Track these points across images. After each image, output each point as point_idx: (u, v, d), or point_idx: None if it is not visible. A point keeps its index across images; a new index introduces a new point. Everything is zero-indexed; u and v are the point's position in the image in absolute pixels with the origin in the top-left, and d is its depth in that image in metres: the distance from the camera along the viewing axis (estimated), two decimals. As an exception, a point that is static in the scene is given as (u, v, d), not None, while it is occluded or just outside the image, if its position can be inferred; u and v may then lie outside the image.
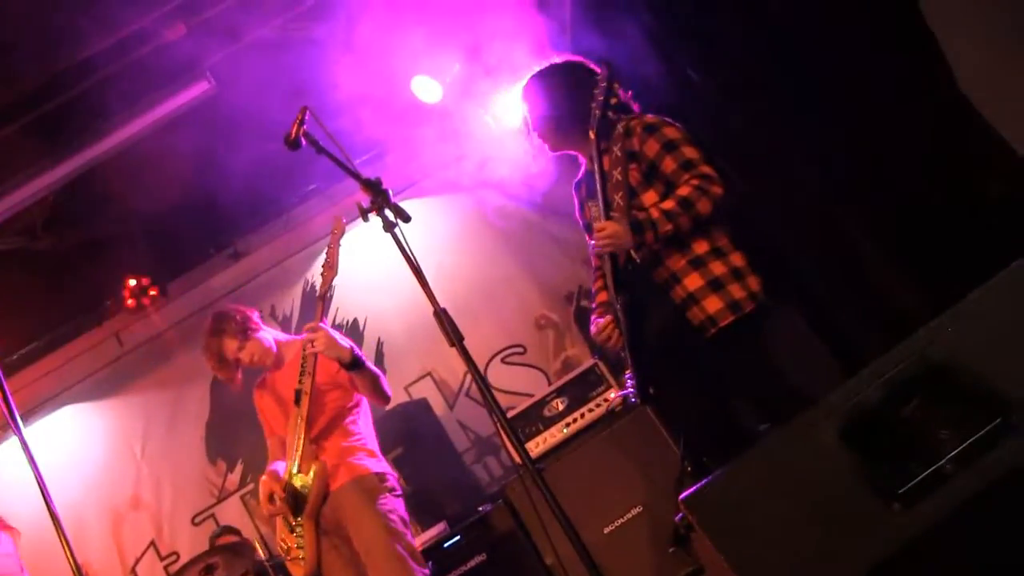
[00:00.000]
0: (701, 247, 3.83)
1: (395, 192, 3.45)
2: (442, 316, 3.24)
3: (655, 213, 3.73)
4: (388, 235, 3.37)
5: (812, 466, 2.30)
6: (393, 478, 4.39)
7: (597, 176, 3.79)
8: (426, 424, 6.41)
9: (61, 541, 2.78)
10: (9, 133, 5.22)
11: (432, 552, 5.26)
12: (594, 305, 4.28)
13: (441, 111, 6.78)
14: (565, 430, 5.62)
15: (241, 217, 7.13)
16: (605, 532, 5.16)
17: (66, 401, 7.35)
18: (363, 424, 4.53)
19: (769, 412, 3.82)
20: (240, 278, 7.36)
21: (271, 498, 4.29)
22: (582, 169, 4.27)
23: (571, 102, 4.03)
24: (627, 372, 4.11)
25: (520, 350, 7.27)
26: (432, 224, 7.35)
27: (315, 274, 7.41)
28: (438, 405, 7.02)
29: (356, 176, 3.41)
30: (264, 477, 4.45)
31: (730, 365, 3.83)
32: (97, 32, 5.04)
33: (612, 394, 5.66)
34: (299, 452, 4.23)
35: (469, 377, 7.19)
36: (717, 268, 3.80)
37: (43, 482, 2.91)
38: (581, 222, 4.35)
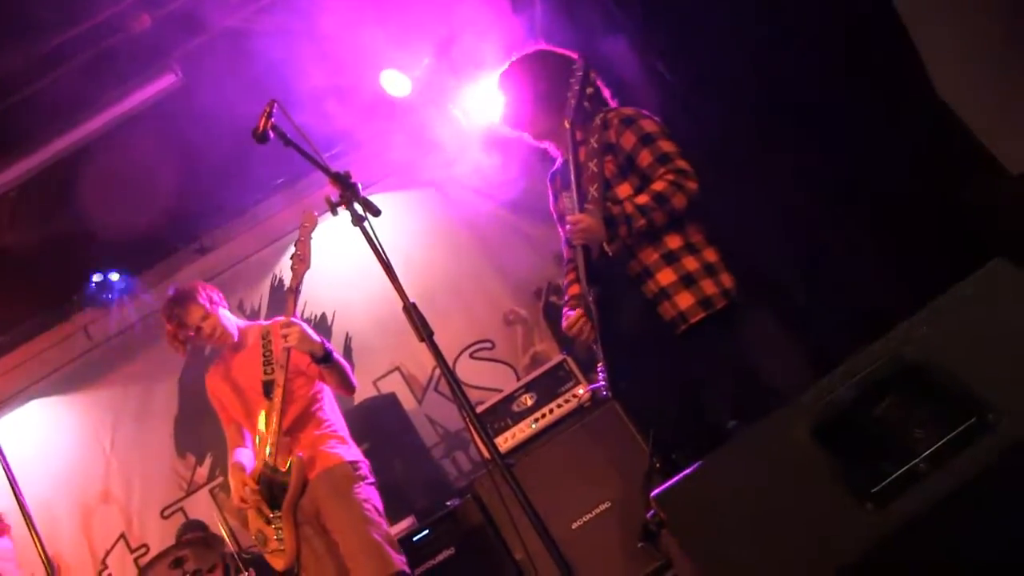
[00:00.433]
0: (675, 242, 3.83)
1: (364, 186, 3.42)
2: (411, 311, 3.24)
3: (629, 208, 3.74)
4: (357, 229, 3.36)
5: (784, 465, 2.30)
6: (365, 466, 4.40)
7: (572, 166, 3.79)
8: (394, 418, 6.39)
9: (32, 535, 2.77)
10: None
11: (400, 546, 5.25)
12: (566, 298, 4.28)
13: (410, 105, 6.76)
14: (534, 425, 5.62)
15: (208, 211, 7.09)
16: (573, 527, 5.17)
17: (34, 395, 7.30)
18: (330, 410, 4.54)
19: (738, 409, 3.82)
20: (207, 272, 7.31)
21: (244, 490, 4.27)
22: (558, 161, 4.25)
23: (547, 91, 4.02)
24: (598, 366, 4.12)
25: (489, 345, 7.27)
26: (401, 219, 7.33)
27: (283, 268, 7.40)
28: (407, 400, 7.01)
29: (325, 170, 3.39)
30: (232, 468, 4.44)
31: (700, 361, 3.83)
32: (60, 24, 4.99)
33: (581, 390, 5.67)
34: (273, 445, 4.20)
35: (438, 372, 7.18)
36: (690, 264, 3.81)
37: (13, 477, 2.89)
38: (555, 214, 4.33)
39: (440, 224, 7.49)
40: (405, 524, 5.56)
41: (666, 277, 3.79)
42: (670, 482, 2.35)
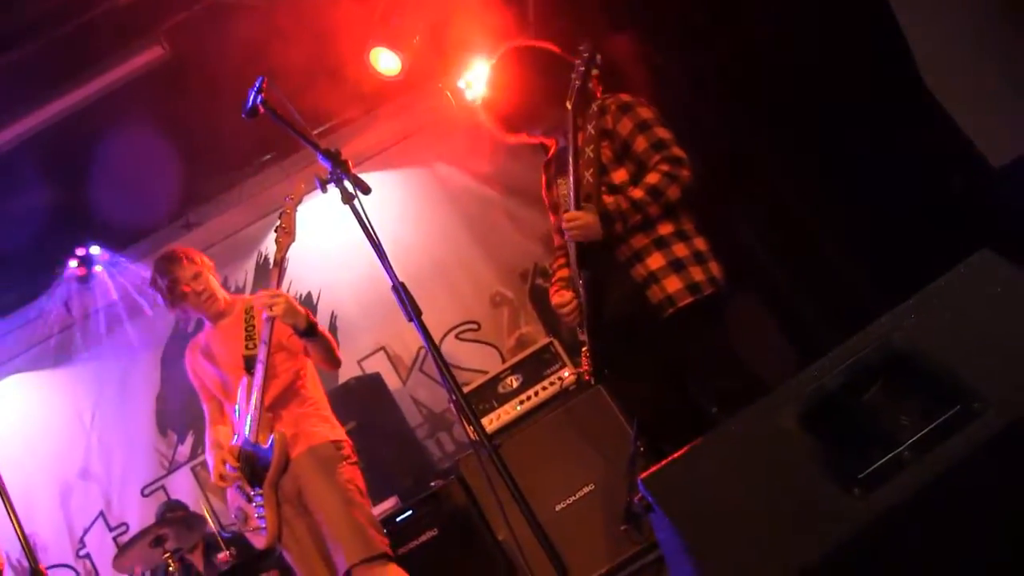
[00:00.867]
0: (666, 228, 3.84)
1: (353, 164, 3.39)
2: (400, 290, 3.22)
3: (624, 204, 3.76)
4: (344, 207, 3.33)
5: (771, 450, 2.30)
6: (349, 445, 4.35)
7: (571, 150, 3.77)
8: (379, 398, 6.39)
9: (8, 512, 2.74)
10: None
11: (384, 526, 5.25)
12: (553, 280, 4.28)
13: (400, 84, 6.72)
14: (519, 407, 5.64)
15: (194, 187, 7.03)
16: (557, 509, 5.19)
17: (12, 370, 7.27)
18: (313, 387, 4.49)
19: (721, 396, 3.85)
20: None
21: (223, 467, 4.25)
22: (551, 150, 4.27)
23: (547, 80, 4.00)
24: (583, 350, 4.13)
25: (474, 326, 7.27)
26: (389, 198, 7.30)
27: (269, 245, 7.36)
28: (391, 380, 7.00)
29: (315, 146, 3.37)
30: (209, 447, 4.41)
31: (685, 346, 3.85)
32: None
33: (566, 372, 5.68)
34: (255, 421, 4.18)
35: (423, 352, 7.20)
36: (680, 250, 3.82)
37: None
38: (547, 201, 4.34)
39: (427, 204, 7.47)
40: (388, 504, 5.57)
41: (656, 261, 3.81)
42: (658, 465, 2.35)
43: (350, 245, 6.78)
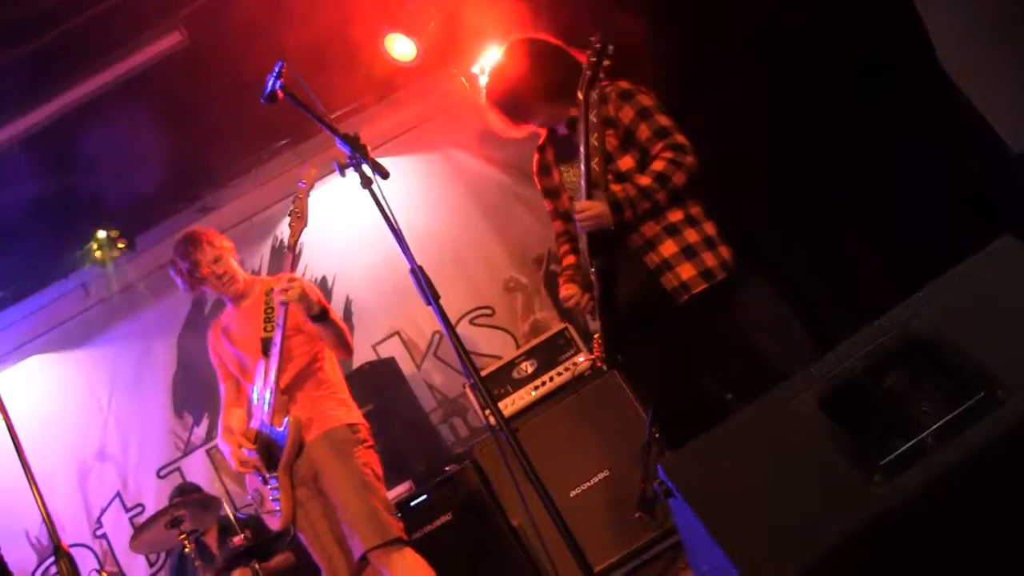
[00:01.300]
0: (676, 215, 3.86)
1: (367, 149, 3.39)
2: (418, 273, 3.23)
3: (632, 191, 3.77)
4: (360, 192, 3.35)
5: (791, 436, 2.30)
6: (365, 429, 4.36)
7: (581, 138, 3.77)
8: (393, 383, 6.40)
9: (33, 490, 2.76)
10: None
11: (398, 510, 5.26)
12: (561, 269, 4.31)
13: (415, 70, 6.72)
14: (534, 392, 5.65)
15: (211, 171, 7.05)
16: (571, 495, 5.22)
17: (32, 352, 7.31)
18: (330, 370, 4.50)
19: (735, 382, 3.87)
20: (208, 232, 7.29)
21: (241, 452, 4.27)
22: (542, 136, 4.28)
23: (551, 71, 4.01)
24: (595, 338, 4.14)
25: (488, 312, 7.27)
26: (403, 184, 7.29)
27: (283, 230, 7.39)
28: (406, 364, 7.01)
29: (334, 130, 3.38)
30: (222, 433, 4.43)
31: (700, 332, 3.86)
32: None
33: (581, 358, 5.68)
34: (270, 404, 4.20)
35: (437, 337, 7.22)
36: (691, 236, 3.84)
37: (14, 432, 2.89)
38: (539, 184, 4.36)
39: (441, 190, 7.46)
40: (402, 489, 5.59)
41: (668, 248, 3.82)
42: (678, 450, 2.35)
43: (365, 230, 6.81)
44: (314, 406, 4.32)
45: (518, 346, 6.87)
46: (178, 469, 7.14)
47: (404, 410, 6.25)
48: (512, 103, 4.11)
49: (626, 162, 3.90)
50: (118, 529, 7.00)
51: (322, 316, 4.25)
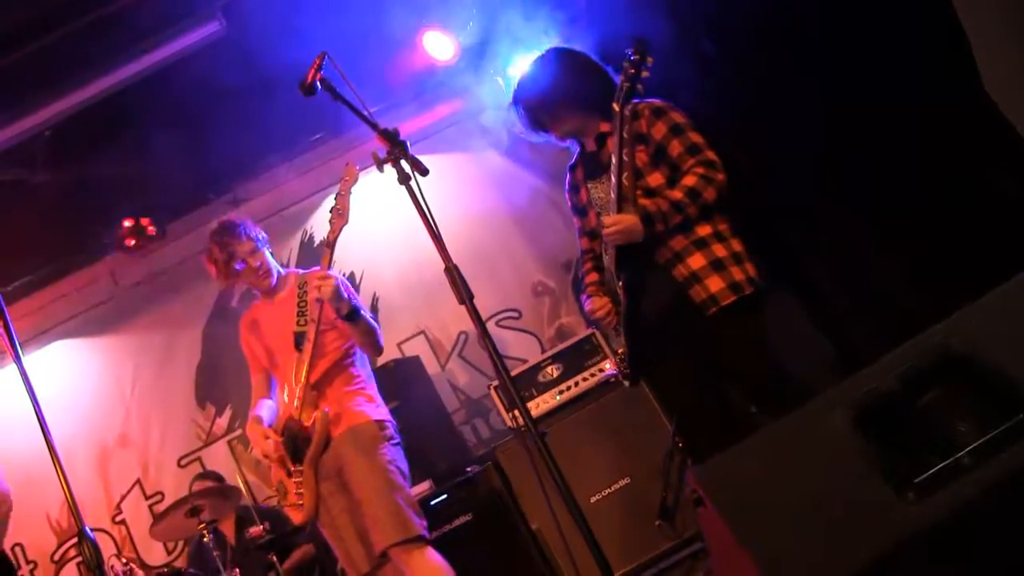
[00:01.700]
0: (704, 230, 3.88)
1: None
2: (454, 272, 3.22)
3: (664, 205, 3.79)
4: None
5: (824, 451, 2.27)
6: (392, 426, 4.36)
7: (615, 150, 3.76)
8: (418, 382, 6.39)
9: (58, 473, 2.76)
10: (12, 62, 5.14)
11: (419, 509, 5.28)
12: (584, 285, 4.32)
13: (452, 69, 6.72)
14: (559, 397, 5.64)
15: (243, 163, 7.07)
16: (592, 501, 5.21)
17: (57, 336, 7.35)
18: (361, 367, 4.50)
19: (760, 395, 3.86)
20: (238, 224, 7.31)
21: (266, 443, 4.26)
22: (574, 154, 4.29)
23: (583, 83, 4.04)
24: (620, 352, 4.13)
25: (515, 315, 7.27)
26: (435, 182, 7.22)
27: (314, 224, 7.42)
28: (430, 364, 7.01)
29: (374, 126, 3.37)
30: (250, 422, 4.42)
31: (726, 345, 3.85)
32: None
33: (607, 365, 5.67)
34: (300, 399, 4.19)
35: (462, 337, 7.22)
36: (719, 250, 3.86)
37: (42, 415, 2.89)
38: (570, 203, 4.38)
39: (473, 190, 7.46)
40: (423, 488, 5.58)
41: (696, 261, 3.84)
42: (711, 460, 2.33)
43: (395, 227, 6.82)
44: (342, 401, 4.32)
45: (543, 350, 6.87)
46: (199, 459, 7.17)
47: (427, 409, 6.25)
48: (543, 107, 4.13)
49: (656, 178, 3.91)
50: (137, 516, 7.04)
51: (352, 316, 4.24)
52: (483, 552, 5.23)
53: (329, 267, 4.20)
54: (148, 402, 7.27)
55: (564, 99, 4.05)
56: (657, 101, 4.01)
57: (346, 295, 4.23)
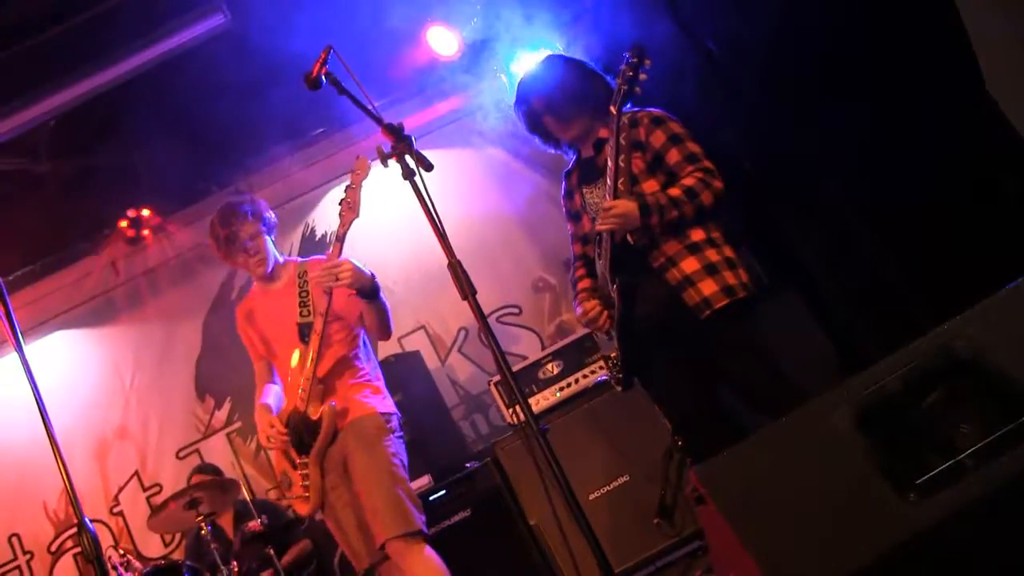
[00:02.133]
0: (697, 235, 3.89)
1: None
2: (457, 268, 3.22)
3: (663, 199, 3.79)
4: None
5: (826, 450, 2.28)
6: (397, 419, 4.34)
7: (611, 152, 3.77)
8: (417, 377, 6.39)
9: (58, 463, 2.75)
10: (17, 53, 5.14)
11: (417, 504, 5.28)
12: (576, 291, 4.32)
13: (455, 65, 6.71)
14: (559, 394, 5.65)
15: (246, 155, 7.06)
16: (591, 498, 5.21)
17: (57, 326, 7.34)
18: (366, 358, 4.48)
19: (755, 397, 3.86)
20: (240, 216, 7.30)
21: (271, 431, 4.25)
22: (572, 160, 4.31)
23: (584, 88, 4.06)
24: (612, 356, 4.14)
25: (515, 311, 7.27)
26: (437, 177, 7.24)
27: (316, 218, 7.42)
28: (430, 359, 7.01)
29: (379, 120, 3.36)
30: (258, 410, 4.40)
31: (720, 347, 3.86)
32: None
33: (602, 370, 5.67)
34: (306, 391, 4.17)
35: (462, 333, 7.22)
36: (712, 255, 3.87)
37: (43, 404, 2.89)
38: (565, 209, 4.40)
39: (474, 186, 7.46)
40: (421, 483, 5.58)
41: (690, 265, 3.84)
42: (713, 459, 2.33)
43: (395, 223, 6.81)
44: (349, 394, 4.30)
45: (544, 346, 6.87)
46: (197, 451, 7.16)
47: (427, 404, 6.25)
48: (549, 108, 4.13)
49: (651, 185, 3.92)
50: (135, 507, 7.03)
51: (374, 293, 4.23)
52: (482, 548, 5.23)
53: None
54: (147, 393, 7.27)
55: (575, 99, 4.05)
56: (656, 111, 4.04)
57: (368, 272, 4.21)
